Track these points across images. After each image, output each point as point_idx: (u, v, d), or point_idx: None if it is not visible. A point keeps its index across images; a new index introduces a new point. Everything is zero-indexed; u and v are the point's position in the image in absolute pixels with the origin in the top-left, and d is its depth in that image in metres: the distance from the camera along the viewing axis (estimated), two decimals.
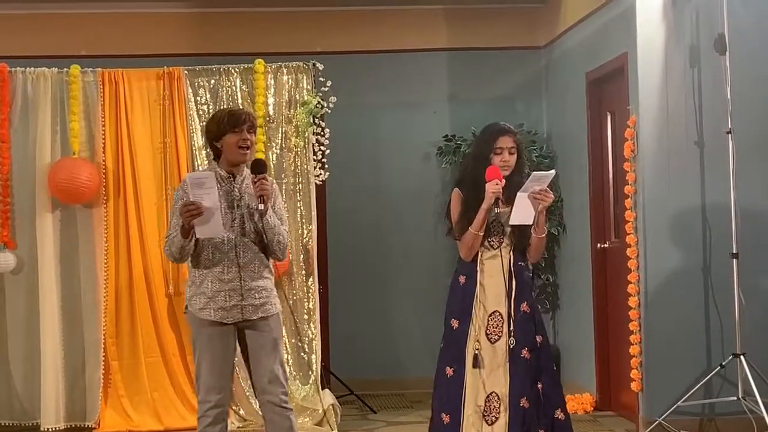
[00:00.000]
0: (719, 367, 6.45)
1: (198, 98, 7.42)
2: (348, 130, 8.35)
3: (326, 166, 7.41)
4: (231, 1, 8.41)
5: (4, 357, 7.27)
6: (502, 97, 8.70)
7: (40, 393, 7.15)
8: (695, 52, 6.70)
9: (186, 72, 7.39)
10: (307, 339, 7.33)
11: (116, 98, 7.32)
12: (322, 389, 7.27)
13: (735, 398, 6.36)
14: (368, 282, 8.74)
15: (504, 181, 4.86)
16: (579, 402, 7.46)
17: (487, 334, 4.93)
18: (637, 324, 6.72)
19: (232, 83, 7.43)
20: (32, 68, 7.29)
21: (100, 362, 7.20)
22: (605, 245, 7.53)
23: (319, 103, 7.33)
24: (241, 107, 5.18)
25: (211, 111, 7.33)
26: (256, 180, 4.85)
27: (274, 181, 5.16)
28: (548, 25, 8.53)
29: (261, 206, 4.82)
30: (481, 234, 4.91)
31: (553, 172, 4.96)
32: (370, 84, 8.76)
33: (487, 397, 4.88)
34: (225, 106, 7.28)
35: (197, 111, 7.39)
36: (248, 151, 4.96)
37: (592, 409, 7.50)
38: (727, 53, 6.45)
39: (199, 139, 7.35)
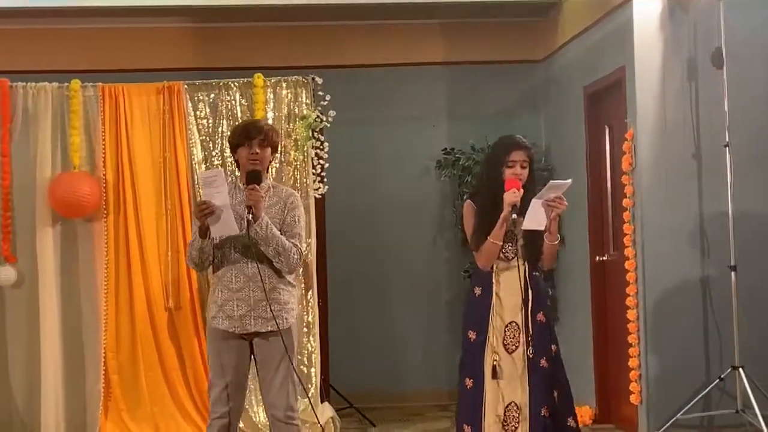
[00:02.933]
0: (718, 380, 6.46)
1: (198, 112, 7.43)
2: (347, 143, 8.37)
3: (325, 179, 7.43)
4: (230, 15, 8.43)
5: (4, 370, 7.26)
6: (500, 110, 8.73)
7: (40, 406, 7.13)
8: (693, 65, 6.73)
9: (186, 86, 7.41)
10: (306, 352, 7.33)
11: (116, 113, 7.33)
12: (322, 402, 7.28)
13: (734, 411, 6.38)
14: (367, 295, 8.76)
15: (522, 190, 4.91)
16: (578, 414, 7.41)
17: (504, 345, 4.96)
18: (636, 337, 6.74)
19: (232, 97, 7.45)
20: (33, 83, 7.31)
21: (100, 376, 7.19)
22: (604, 258, 7.55)
23: (318, 117, 7.35)
24: (261, 119, 5.22)
25: (210, 125, 7.37)
26: (246, 189, 4.89)
27: (295, 193, 5.19)
28: (546, 39, 8.57)
29: (249, 216, 4.84)
30: (500, 243, 4.95)
31: (569, 181, 5.00)
32: (369, 98, 8.79)
33: (507, 407, 4.92)
34: (225, 120, 7.32)
35: (197, 125, 7.40)
36: (257, 165, 4.99)
37: (591, 421, 7.51)
38: (725, 67, 6.48)
39: (199, 153, 7.37)
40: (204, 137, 7.39)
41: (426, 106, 8.86)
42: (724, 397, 6.54)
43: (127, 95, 7.36)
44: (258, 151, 4.98)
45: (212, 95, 7.44)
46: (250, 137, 4.98)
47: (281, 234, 4.98)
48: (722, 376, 6.44)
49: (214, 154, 7.35)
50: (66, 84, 7.32)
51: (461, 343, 5.12)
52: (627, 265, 6.79)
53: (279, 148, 5.26)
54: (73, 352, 7.27)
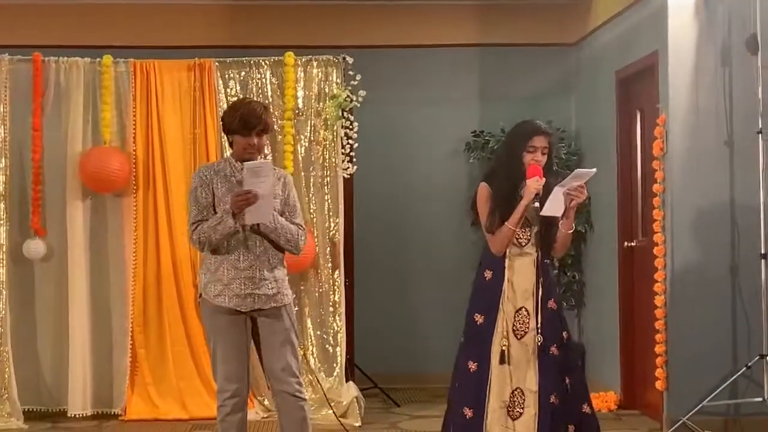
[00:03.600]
0: (745, 368, 6.42)
1: (228, 90, 7.46)
2: (376, 124, 8.36)
3: (354, 159, 7.44)
4: None
5: (33, 343, 7.35)
6: (531, 93, 8.68)
7: (68, 380, 7.22)
8: (727, 51, 6.67)
9: (217, 64, 7.44)
10: (332, 331, 7.36)
11: (147, 89, 7.38)
12: (347, 382, 7.30)
13: (761, 399, 6.34)
14: (394, 275, 8.76)
15: (544, 179, 4.87)
16: (603, 400, 7.45)
17: (513, 331, 4.93)
18: (663, 323, 6.71)
19: (262, 75, 7.46)
20: (65, 58, 7.36)
21: (128, 350, 7.26)
22: (632, 244, 7.52)
23: (348, 96, 7.35)
24: (256, 102, 5.13)
25: None
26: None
27: (287, 173, 5.18)
28: (579, 22, 8.51)
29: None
30: (516, 230, 4.91)
31: (594, 170, 4.95)
32: (399, 78, 8.76)
33: (513, 392, 4.89)
34: (255, 98, 7.32)
35: (227, 102, 7.40)
36: (255, 154, 4.97)
37: (616, 407, 7.49)
38: (759, 53, 6.42)
39: None
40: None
41: (456, 87, 8.82)
42: (751, 386, 6.50)
43: (158, 71, 7.40)
44: (255, 141, 4.95)
45: (243, 73, 7.47)
46: (249, 129, 4.90)
47: (283, 215, 4.97)
48: (749, 364, 6.40)
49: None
50: (98, 59, 7.35)
51: (465, 327, 5.07)
52: (656, 251, 6.76)
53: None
54: (101, 326, 7.34)
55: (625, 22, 7.51)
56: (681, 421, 6.42)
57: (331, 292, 7.38)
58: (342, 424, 6.85)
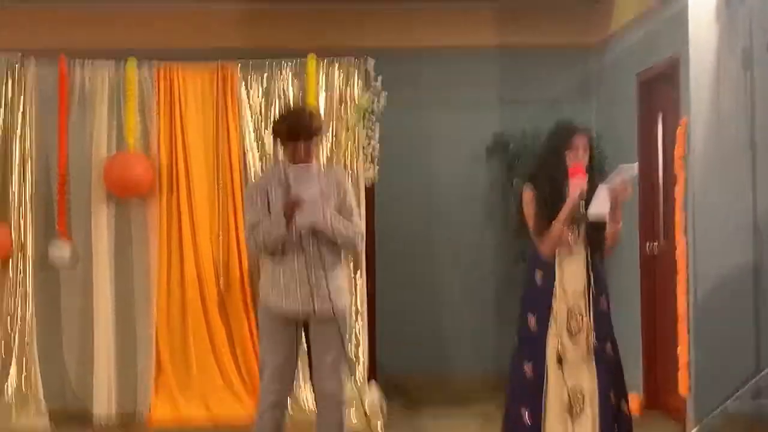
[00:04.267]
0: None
1: (250, 93, 7.49)
2: (398, 127, 8.35)
3: (376, 162, 7.46)
4: None
5: (59, 346, 7.41)
6: (552, 96, 8.68)
7: (93, 382, 7.27)
8: (748, 54, 6.66)
9: (239, 67, 7.47)
10: (354, 333, 7.40)
11: (171, 93, 7.43)
12: (369, 383, 7.33)
13: None
14: (416, 277, 8.78)
15: (586, 176, 4.91)
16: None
17: (568, 331, 4.97)
18: (686, 325, 6.71)
19: (285, 79, 7.50)
20: (90, 61, 7.40)
21: (152, 352, 7.31)
22: (654, 246, 7.52)
23: (370, 99, 7.37)
24: (303, 108, 5.25)
25: (263, 106, 7.44)
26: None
27: (341, 170, 5.26)
28: (600, 25, 8.51)
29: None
30: (565, 230, 4.94)
31: (636, 164, 4.99)
32: (421, 81, 8.78)
33: (571, 392, 4.93)
34: (278, 101, 7.36)
35: (250, 106, 7.47)
36: (304, 160, 5.04)
37: (638, 409, 7.49)
38: None
39: (251, 134, 7.45)
40: (256, 118, 7.45)
41: (477, 90, 8.83)
42: None
43: (181, 76, 7.44)
44: (301, 150, 5.04)
45: (265, 76, 7.50)
46: (293, 139, 5.04)
47: (340, 215, 5.07)
48: None
49: (265, 134, 7.41)
50: (122, 63, 7.39)
51: (519, 329, 5.12)
52: (678, 253, 6.76)
53: (328, 127, 5.31)
54: (126, 329, 7.39)
55: (646, 25, 7.51)
56: (704, 422, 6.42)
57: (353, 294, 7.41)
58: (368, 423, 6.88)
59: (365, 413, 7.02)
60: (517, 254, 8.35)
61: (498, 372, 8.50)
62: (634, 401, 7.47)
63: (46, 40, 8.20)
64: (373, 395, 7.19)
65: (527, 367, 5.01)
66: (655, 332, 7.52)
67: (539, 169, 5.15)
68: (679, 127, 6.77)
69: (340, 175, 5.24)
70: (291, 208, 4.89)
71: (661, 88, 7.40)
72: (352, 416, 7.02)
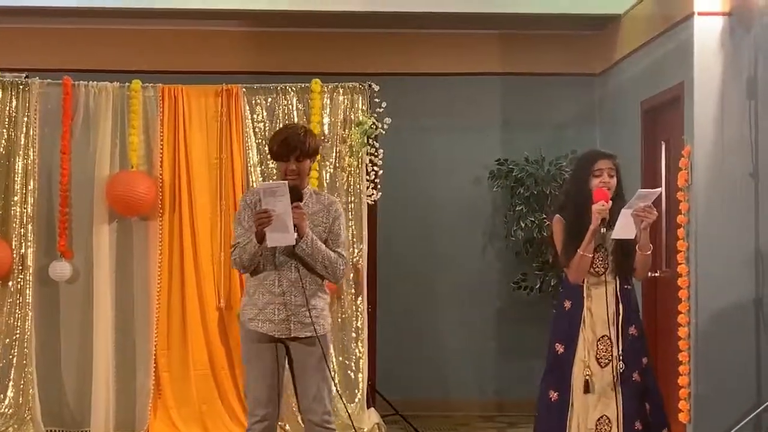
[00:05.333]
0: None
1: (255, 116, 7.51)
2: (401, 151, 8.40)
3: (379, 186, 7.47)
4: (290, 20, 8.49)
5: (57, 364, 7.38)
6: (555, 122, 8.71)
7: (91, 401, 7.24)
8: (752, 84, 6.67)
9: (244, 89, 7.49)
10: (354, 357, 7.38)
11: (175, 113, 7.43)
12: (368, 408, 7.30)
13: None
14: (417, 302, 8.77)
15: (610, 202, 4.90)
16: None
17: (597, 359, 4.96)
18: (687, 354, 6.69)
19: (289, 102, 7.52)
20: (95, 82, 7.43)
21: (151, 373, 7.28)
22: (656, 274, 7.50)
23: (373, 123, 7.39)
24: (299, 126, 5.22)
25: (267, 129, 7.45)
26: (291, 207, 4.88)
27: (337, 201, 5.22)
28: (604, 52, 8.54)
29: (296, 234, 4.86)
30: (589, 256, 4.94)
31: (659, 189, 5.02)
32: (425, 106, 8.81)
33: (598, 420, 4.91)
34: (282, 125, 7.36)
35: (254, 128, 7.49)
36: (296, 178, 5.02)
37: None
38: None
39: (254, 156, 7.46)
40: (260, 140, 7.46)
41: (481, 115, 8.85)
42: None
43: (186, 96, 7.45)
44: (295, 167, 5.00)
45: (269, 99, 7.52)
46: (286, 156, 4.99)
47: (326, 243, 5.01)
48: None
49: (269, 157, 7.40)
50: (127, 84, 7.42)
51: (547, 356, 5.14)
52: (680, 282, 6.74)
53: (320, 149, 5.27)
54: (125, 348, 7.37)
55: (651, 53, 7.53)
56: None
57: (354, 318, 7.41)
58: None
59: None
60: (518, 279, 8.37)
61: (497, 397, 8.51)
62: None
63: (51, 60, 8.24)
64: (372, 421, 7.15)
65: (553, 395, 5.01)
66: (656, 361, 7.47)
67: (566, 198, 5.17)
68: (682, 156, 6.77)
69: (333, 202, 5.17)
70: (258, 222, 4.81)
71: (665, 117, 7.41)
72: None
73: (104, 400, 7.23)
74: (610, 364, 4.95)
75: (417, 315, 8.75)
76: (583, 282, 5.02)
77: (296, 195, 4.93)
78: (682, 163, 6.76)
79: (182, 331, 7.33)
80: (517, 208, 8.38)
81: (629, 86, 8.03)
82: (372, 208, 7.68)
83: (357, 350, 7.39)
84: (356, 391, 7.32)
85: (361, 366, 7.36)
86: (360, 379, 7.33)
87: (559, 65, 8.77)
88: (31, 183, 7.31)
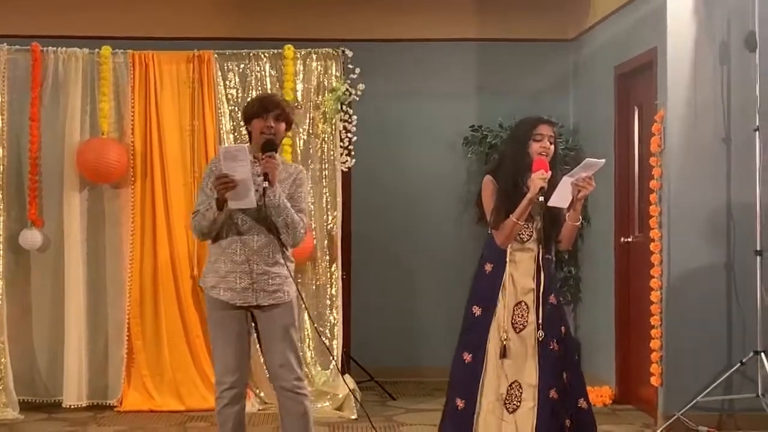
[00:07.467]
0: (739, 364, 6.44)
1: (227, 82, 7.46)
2: (375, 117, 8.37)
3: (353, 153, 7.44)
4: None
5: (28, 334, 7.35)
6: (529, 88, 8.69)
7: (63, 370, 7.22)
8: (725, 48, 6.68)
9: (216, 56, 7.43)
10: (328, 324, 7.38)
11: (146, 80, 7.37)
12: (343, 375, 7.31)
13: (755, 395, 6.36)
14: (391, 270, 8.77)
15: (550, 172, 4.85)
16: (598, 394, 7.46)
17: (513, 324, 4.93)
18: (659, 318, 6.73)
19: (262, 68, 7.47)
20: (64, 48, 7.35)
21: (124, 342, 7.26)
22: (629, 239, 7.53)
23: (347, 90, 7.36)
24: (276, 93, 5.18)
25: (239, 95, 7.40)
26: (262, 158, 4.83)
27: (303, 170, 5.17)
28: (578, 18, 8.52)
29: (266, 183, 4.79)
30: (522, 223, 4.89)
31: (603, 161, 4.94)
32: (399, 72, 8.77)
33: (510, 385, 4.89)
34: (254, 91, 7.33)
35: (226, 95, 7.44)
36: (273, 137, 4.95)
37: (610, 401, 7.51)
38: (758, 51, 6.44)
39: (227, 123, 7.42)
40: (233, 107, 7.42)
41: (455, 82, 8.83)
42: (745, 382, 6.53)
43: (157, 63, 7.39)
44: (273, 124, 4.94)
45: (242, 65, 7.47)
46: (267, 110, 4.94)
47: None
48: (744, 361, 6.42)
49: (242, 123, 7.35)
50: (96, 50, 7.35)
51: (463, 317, 5.08)
52: (652, 246, 6.77)
53: (292, 125, 5.22)
54: (97, 317, 7.34)
55: (624, 19, 7.52)
56: (675, 417, 6.44)
57: (328, 286, 7.40)
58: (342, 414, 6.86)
59: (339, 405, 7.08)
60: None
61: None
62: (607, 393, 7.51)
63: (19, 25, 8.15)
64: (346, 387, 7.17)
65: (466, 357, 4.97)
66: (629, 325, 7.54)
67: (502, 160, 5.10)
68: (655, 122, 6.78)
69: (299, 171, 5.09)
70: (219, 186, 4.72)
71: (638, 82, 7.41)
72: (327, 408, 7.02)
73: (77, 369, 7.21)
74: (526, 330, 4.92)
75: (391, 282, 8.76)
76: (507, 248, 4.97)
77: (271, 146, 4.89)
78: (655, 128, 6.77)
79: (155, 299, 7.31)
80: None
81: (603, 52, 8.02)
82: (346, 175, 7.66)
83: (331, 317, 7.39)
84: (331, 357, 7.32)
85: (336, 333, 7.36)
86: (334, 346, 7.33)
87: (533, 31, 8.74)
88: (0, 151, 7.24)
